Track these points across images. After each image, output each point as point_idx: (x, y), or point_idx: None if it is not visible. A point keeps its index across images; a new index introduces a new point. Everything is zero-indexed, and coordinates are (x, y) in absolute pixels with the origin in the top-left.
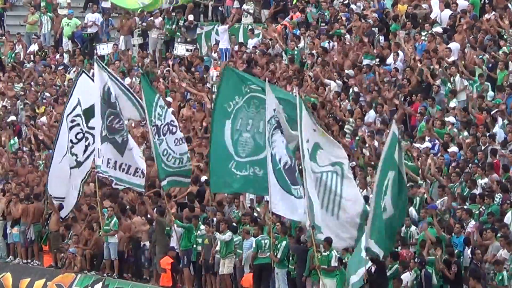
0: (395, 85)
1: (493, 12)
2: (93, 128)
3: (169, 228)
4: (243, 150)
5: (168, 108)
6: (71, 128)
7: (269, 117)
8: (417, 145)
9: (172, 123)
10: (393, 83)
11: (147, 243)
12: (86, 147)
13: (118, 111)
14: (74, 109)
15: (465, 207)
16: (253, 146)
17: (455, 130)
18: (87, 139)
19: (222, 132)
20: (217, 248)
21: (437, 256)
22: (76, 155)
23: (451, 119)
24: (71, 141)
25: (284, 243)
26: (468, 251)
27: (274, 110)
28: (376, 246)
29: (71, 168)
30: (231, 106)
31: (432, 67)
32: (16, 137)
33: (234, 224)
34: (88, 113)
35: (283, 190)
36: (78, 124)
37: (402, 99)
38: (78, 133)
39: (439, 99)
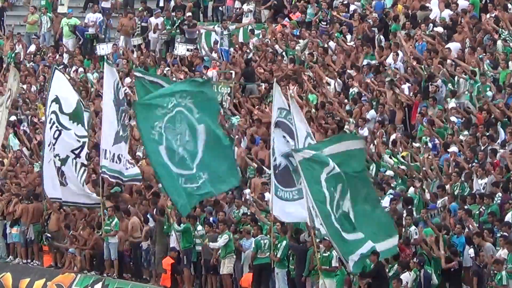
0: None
1: (494, 13)
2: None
3: (166, 226)
4: (188, 163)
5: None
6: (50, 127)
7: (275, 117)
8: (417, 144)
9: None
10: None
11: (146, 244)
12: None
13: (126, 106)
14: (50, 106)
15: (465, 207)
16: (190, 154)
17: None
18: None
19: (161, 158)
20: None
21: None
22: (58, 155)
23: (452, 118)
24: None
25: (284, 242)
26: (468, 251)
27: (278, 109)
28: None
29: (59, 166)
30: (155, 134)
31: (432, 67)
32: (16, 137)
33: (232, 224)
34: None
35: (274, 196)
36: (54, 122)
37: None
38: (55, 131)
39: (439, 98)
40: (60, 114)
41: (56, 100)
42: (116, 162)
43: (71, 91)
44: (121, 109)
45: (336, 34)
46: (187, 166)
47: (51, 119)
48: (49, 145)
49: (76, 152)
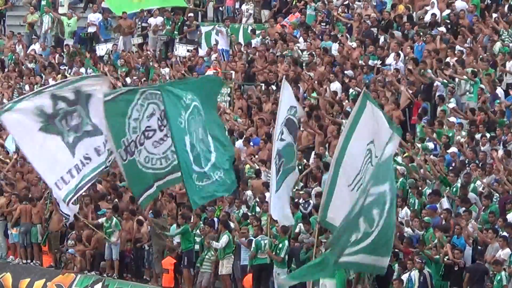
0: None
1: (495, 14)
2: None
3: (165, 226)
4: (202, 161)
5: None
6: None
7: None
8: (419, 145)
9: (148, 129)
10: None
11: (146, 244)
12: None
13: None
14: None
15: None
16: (204, 152)
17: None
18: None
19: (185, 148)
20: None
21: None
22: None
23: (452, 119)
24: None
25: (286, 242)
26: (469, 251)
27: (290, 107)
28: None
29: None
30: (181, 122)
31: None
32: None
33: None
34: None
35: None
36: None
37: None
38: None
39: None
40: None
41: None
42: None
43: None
44: (56, 122)
45: (339, 35)
46: (200, 164)
47: None
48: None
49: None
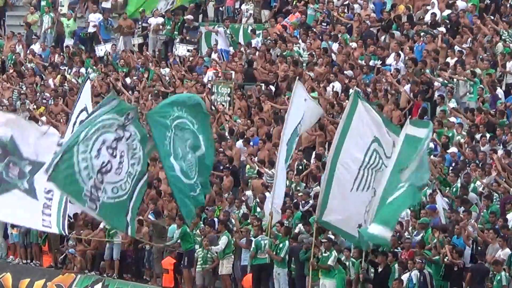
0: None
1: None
2: None
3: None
4: (189, 172)
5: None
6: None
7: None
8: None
9: (102, 166)
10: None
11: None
12: None
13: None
14: (78, 116)
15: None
16: (191, 163)
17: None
18: None
19: (174, 172)
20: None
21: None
22: None
23: (452, 119)
24: None
25: (286, 243)
26: (468, 251)
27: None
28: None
29: None
30: (167, 144)
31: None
32: None
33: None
34: None
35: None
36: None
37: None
38: None
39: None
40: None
41: (85, 109)
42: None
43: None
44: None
45: (342, 35)
46: (189, 176)
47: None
48: None
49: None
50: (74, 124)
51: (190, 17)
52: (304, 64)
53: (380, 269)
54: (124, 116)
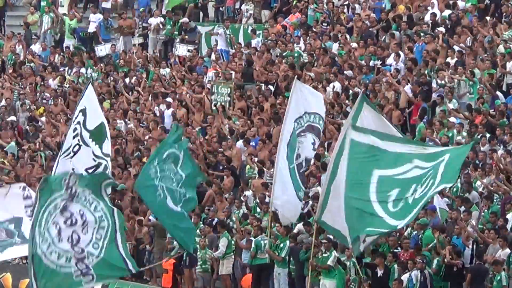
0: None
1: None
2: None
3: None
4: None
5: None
6: (73, 137)
7: (297, 117)
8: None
9: (70, 240)
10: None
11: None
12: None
13: None
14: (77, 117)
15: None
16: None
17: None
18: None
19: (169, 219)
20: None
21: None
22: (73, 169)
23: (452, 119)
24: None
25: (287, 242)
26: (468, 251)
27: (305, 113)
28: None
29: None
30: (160, 195)
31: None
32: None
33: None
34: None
35: (293, 187)
36: (78, 134)
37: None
38: (75, 145)
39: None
40: (82, 128)
41: (84, 112)
42: None
43: (98, 109)
44: None
45: (344, 35)
46: (176, 201)
47: (75, 128)
48: (66, 156)
49: (90, 171)
50: (74, 126)
51: (185, 20)
52: (304, 63)
53: (380, 274)
54: (64, 187)
